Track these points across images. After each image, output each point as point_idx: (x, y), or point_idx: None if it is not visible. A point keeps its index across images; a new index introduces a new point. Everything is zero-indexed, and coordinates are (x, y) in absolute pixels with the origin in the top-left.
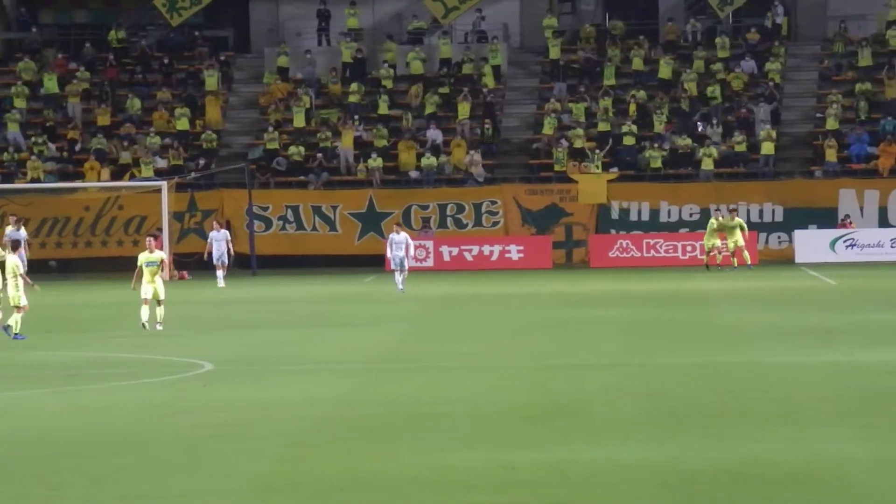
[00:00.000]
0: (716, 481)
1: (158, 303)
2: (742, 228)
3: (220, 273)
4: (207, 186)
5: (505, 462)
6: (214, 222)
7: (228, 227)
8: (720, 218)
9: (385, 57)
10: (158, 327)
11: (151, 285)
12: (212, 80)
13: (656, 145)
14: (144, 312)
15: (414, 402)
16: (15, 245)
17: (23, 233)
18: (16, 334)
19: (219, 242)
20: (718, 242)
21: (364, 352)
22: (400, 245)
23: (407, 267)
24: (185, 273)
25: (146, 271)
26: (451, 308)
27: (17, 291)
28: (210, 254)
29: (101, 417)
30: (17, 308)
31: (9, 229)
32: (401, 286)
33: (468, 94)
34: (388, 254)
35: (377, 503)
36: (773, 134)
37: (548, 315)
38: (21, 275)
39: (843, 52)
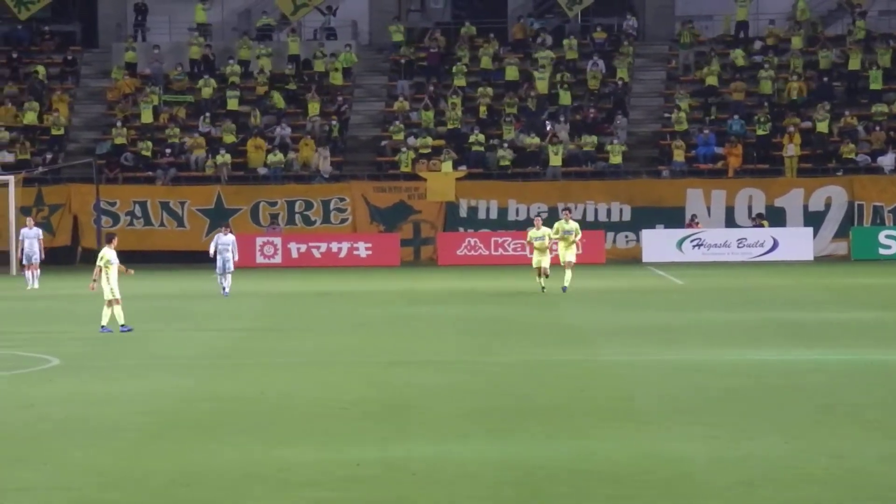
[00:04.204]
0: (555, 478)
1: None
2: (577, 233)
3: (29, 273)
4: (55, 181)
5: (346, 458)
6: (28, 219)
7: (76, 222)
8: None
9: (238, 54)
10: None
11: None
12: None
13: (505, 144)
14: None
15: (254, 398)
16: (109, 238)
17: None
18: (122, 326)
19: (30, 240)
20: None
21: (206, 348)
22: (227, 246)
23: (232, 269)
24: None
25: None
26: (295, 305)
27: (108, 284)
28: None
29: None
30: (113, 301)
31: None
32: (226, 290)
33: (316, 91)
34: (212, 254)
35: (217, 499)
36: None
37: (391, 312)
38: (116, 265)
39: (690, 50)
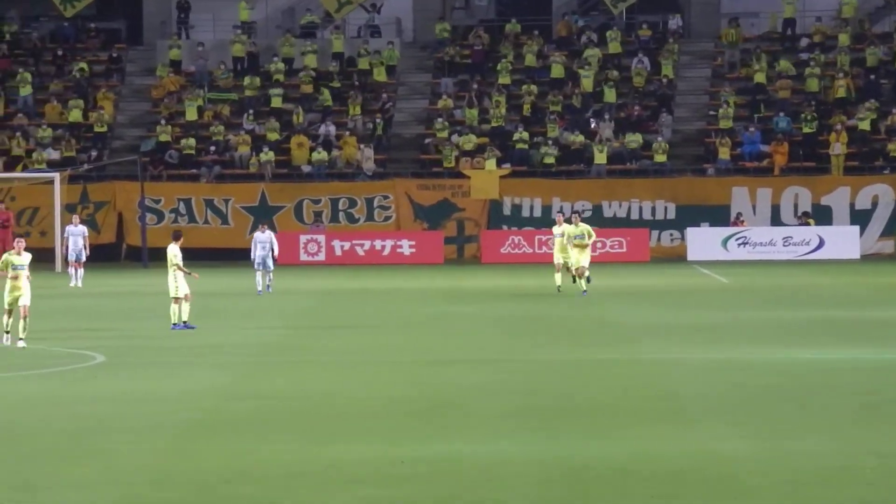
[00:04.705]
0: (600, 476)
1: (23, 313)
2: (589, 236)
3: (73, 271)
4: (100, 178)
5: (390, 456)
6: (73, 216)
7: (121, 220)
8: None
9: (281, 51)
10: (21, 343)
11: (18, 291)
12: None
13: (549, 142)
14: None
15: (297, 395)
16: (176, 236)
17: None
18: (185, 323)
19: (75, 238)
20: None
21: (251, 345)
22: (265, 244)
23: (272, 268)
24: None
25: (13, 274)
26: (338, 302)
27: (175, 282)
28: (67, 249)
29: None
30: (175, 299)
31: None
32: (261, 288)
33: (360, 89)
34: (252, 254)
35: (263, 496)
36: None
37: (435, 310)
38: (177, 265)
39: (735, 48)
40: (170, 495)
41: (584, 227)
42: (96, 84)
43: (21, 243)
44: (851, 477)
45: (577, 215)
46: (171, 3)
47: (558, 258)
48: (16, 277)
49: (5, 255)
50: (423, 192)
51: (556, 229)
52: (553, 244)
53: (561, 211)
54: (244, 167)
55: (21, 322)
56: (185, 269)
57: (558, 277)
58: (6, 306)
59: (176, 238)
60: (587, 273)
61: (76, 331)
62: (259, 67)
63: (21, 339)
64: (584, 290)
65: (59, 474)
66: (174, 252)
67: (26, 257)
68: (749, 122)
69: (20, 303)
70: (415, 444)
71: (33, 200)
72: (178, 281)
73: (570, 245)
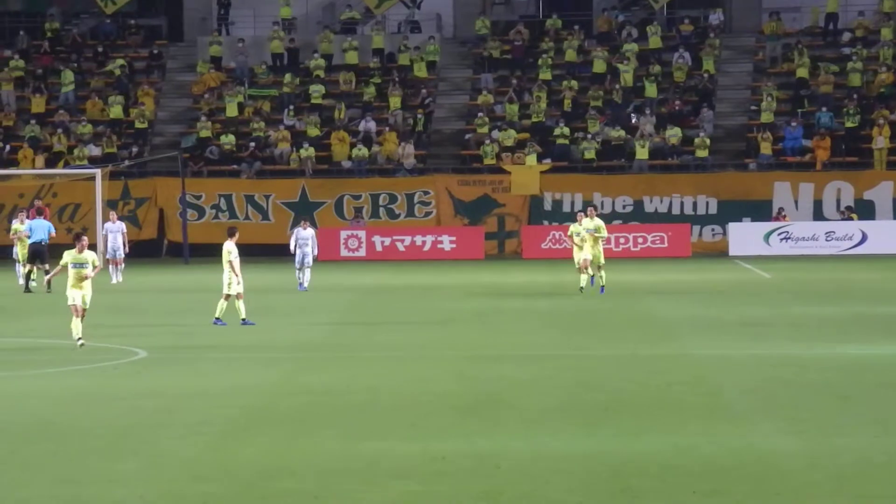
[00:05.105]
0: (645, 473)
1: (83, 312)
2: (602, 231)
3: (112, 268)
4: (140, 174)
5: (434, 452)
6: (111, 213)
7: (162, 216)
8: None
9: (321, 47)
10: (80, 343)
11: (80, 290)
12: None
13: (590, 137)
14: (77, 326)
15: (340, 391)
16: (231, 232)
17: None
18: (244, 320)
19: (114, 234)
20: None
21: (292, 341)
22: (306, 241)
23: (311, 263)
24: None
25: (74, 273)
26: (380, 298)
27: (229, 279)
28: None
29: (33, 404)
30: (226, 296)
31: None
32: (304, 284)
33: (400, 84)
34: (292, 250)
35: (307, 491)
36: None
37: (476, 306)
38: (230, 262)
39: (777, 42)
40: (212, 490)
41: (598, 221)
42: (137, 80)
43: (84, 241)
44: None
45: (592, 209)
46: (211, 0)
47: (584, 255)
48: (79, 277)
49: (66, 254)
50: (463, 187)
51: (575, 227)
52: (574, 242)
53: (583, 210)
54: (284, 163)
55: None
56: (237, 272)
57: (583, 278)
58: (70, 302)
59: (231, 234)
60: (602, 270)
61: (118, 327)
62: (299, 64)
63: (81, 338)
64: (602, 286)
65: (102, 469)
66: (229, 248)
67: (89, 255)
68: (791, 116)
69: (82, 303)
70: (458, 439)
71: (74, 197)
72: (231, 277)
73: (586, 237)
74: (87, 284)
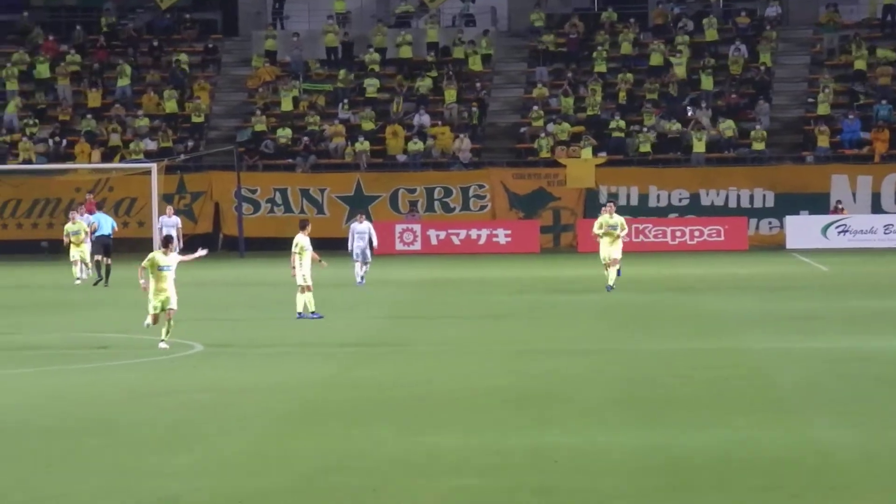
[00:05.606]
0: (701, 467)
1: (168, 315)
2: (622, 228)
3: None
4: (196, 169)
5: (488, 446)
6: (168, 207)
7: (217, 210)
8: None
9: (374, 41)
10: (163, 345)
11: (164, 294)
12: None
13: (645, 130)
14: (165, 328)
15: (396, 385)
16: (303, 225)
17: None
18: (313, 312)
19: (168, 229)
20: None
21: (348, 335)
22: (363, 235)
23: (370, 259)
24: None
25: (158, 276)
26: (435, 292)
27: (301, 270)
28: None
29: (91, 397)
30: (301, 288)
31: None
32: (361, 279)
33: (455, 78)
34: (350, 245)
35: (365, 485)
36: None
37: (531, 299)
38: (298, 254)
39: (834, 34)
40: (268, 485)
41: (619, 218)
42: (193, 75)
43: (173, 244)
44: None
45: (612, 204)
46: None
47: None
48: (162, 280)
49: (151, 255)
50: (518, 181)
51: (606, 219)
52: (600, 238)
53: (608, 202)
54: (339, 157)
55: (165, 324)
56: (317, 256)
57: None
58: (152, 311)
59: (303, 227)
60: (619, 266)
61: (174, 320)
62: (353, 57)
63: (163, 340)
64: (611, 285)
65: (157, 463)
66: (304, 241)
67: (174, 258)
68: (848, 109)
69: (168, 306)
70: (512, 433)
71: (131, 191)
72: (304, 270)
73: (603, 234)
74: (171, 286)
